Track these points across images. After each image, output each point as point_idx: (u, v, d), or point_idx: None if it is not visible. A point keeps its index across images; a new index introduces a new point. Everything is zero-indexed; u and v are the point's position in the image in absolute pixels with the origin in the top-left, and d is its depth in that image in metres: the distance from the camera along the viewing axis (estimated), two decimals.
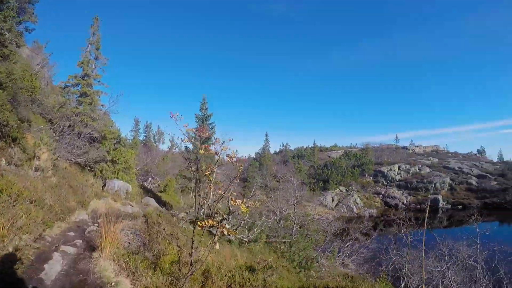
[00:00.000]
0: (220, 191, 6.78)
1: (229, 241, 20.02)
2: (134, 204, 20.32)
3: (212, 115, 28.96)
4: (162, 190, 37.03)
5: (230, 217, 22.14)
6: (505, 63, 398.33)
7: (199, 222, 5.86)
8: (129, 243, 9.28)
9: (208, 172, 6.39)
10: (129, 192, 23.99)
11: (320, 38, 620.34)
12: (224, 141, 5.64)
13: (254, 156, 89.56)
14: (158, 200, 28.89)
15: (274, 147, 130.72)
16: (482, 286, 18.58)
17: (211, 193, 24.74)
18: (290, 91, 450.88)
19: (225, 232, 5.62)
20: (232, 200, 6.10)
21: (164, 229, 11.69)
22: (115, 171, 24.85)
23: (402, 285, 20.56)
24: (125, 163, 25.64)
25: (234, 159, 5.90)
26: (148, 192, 29.26)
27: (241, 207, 5.82)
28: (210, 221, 5.89)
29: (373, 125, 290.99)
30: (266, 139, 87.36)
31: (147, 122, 78.52)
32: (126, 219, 11.74)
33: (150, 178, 41.36)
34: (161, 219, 14.40)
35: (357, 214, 67.07)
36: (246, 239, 18.53)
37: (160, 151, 69.65)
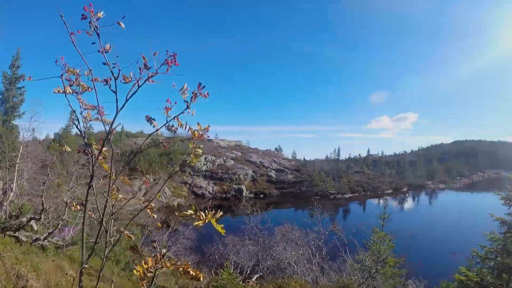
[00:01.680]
0: (115, 188, 4.25)
1: (42, 247, 16.10)
2: None
3: (24, 76, 22.57)
4: None
5: (43, 215, 17.95)
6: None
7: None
8: None
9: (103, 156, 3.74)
10: None
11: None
12: (195, 94, 3.12)
13: (53, 137, 77.66)
14: None
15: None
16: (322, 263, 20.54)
17: (14, 185, 19.30)
18: None
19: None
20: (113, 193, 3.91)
21: None
22: None
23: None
24: None
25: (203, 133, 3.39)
26: None
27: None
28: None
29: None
30: (71, 117, 76.11)
31: None
32: None
33: None
34: None
35: (166, 203, 66.18)
36: (62, 243, 15.36)
37: None
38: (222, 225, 3.22)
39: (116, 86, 2.88)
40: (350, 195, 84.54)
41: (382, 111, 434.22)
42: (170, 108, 3.10)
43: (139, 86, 2.91)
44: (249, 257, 24.09)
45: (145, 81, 2.88)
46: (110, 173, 3.58)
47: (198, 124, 3.27)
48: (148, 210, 3.86)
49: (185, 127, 3.25)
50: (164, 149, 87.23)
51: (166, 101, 3.09)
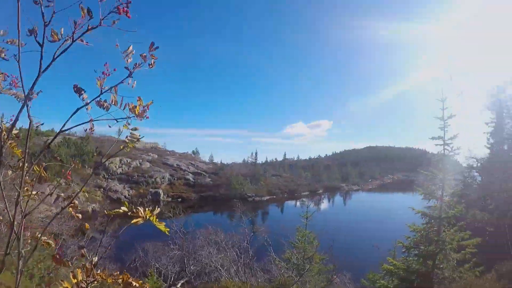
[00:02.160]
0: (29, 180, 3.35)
1: None
2: None
3: None
4: None
5: None
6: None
7: None
8: None
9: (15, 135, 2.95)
10: None
11: None
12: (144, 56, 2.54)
13: None
14: None
15: None
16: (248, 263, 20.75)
17: None
18: None
19: None
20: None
21: None
22: None
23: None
24: None
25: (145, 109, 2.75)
26: None
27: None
28: None
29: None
30: None
31: None
32: None
33: None
34: None
35: (80, 209, 62.05)
36: None
37: None
38: (164, 223, 2.66)
39: (44, 36, 2.11)
40: (268, 197, 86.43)
41: (298, 118, 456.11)
42: (108, 74, 2.46)
43: (73, 41, 2.19)
44: (173, 262, 23.36)
45: (82, 33, 2.17)
46: (24, 157, 2.71)
47: (139, 98, 2.67)
48: (71, 209, 3.07)
49: (121, 105, 2.63)
50: (76, 150, 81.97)
51: (104, 66, 2.45)
